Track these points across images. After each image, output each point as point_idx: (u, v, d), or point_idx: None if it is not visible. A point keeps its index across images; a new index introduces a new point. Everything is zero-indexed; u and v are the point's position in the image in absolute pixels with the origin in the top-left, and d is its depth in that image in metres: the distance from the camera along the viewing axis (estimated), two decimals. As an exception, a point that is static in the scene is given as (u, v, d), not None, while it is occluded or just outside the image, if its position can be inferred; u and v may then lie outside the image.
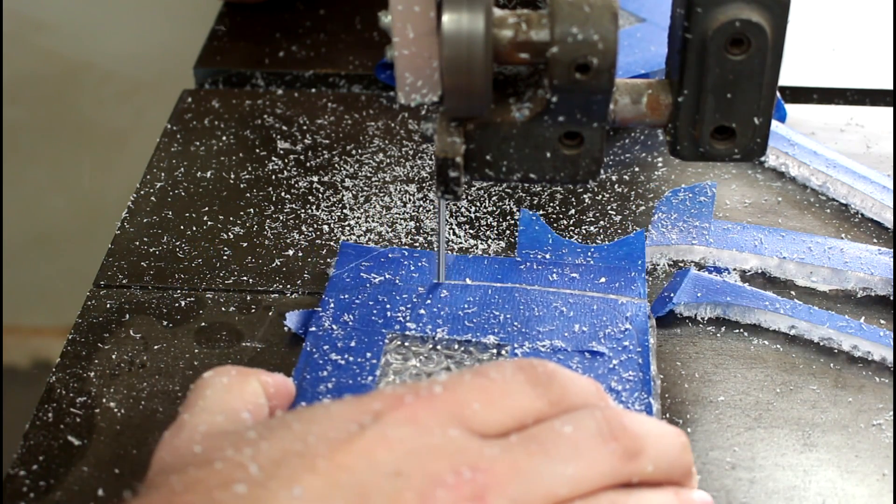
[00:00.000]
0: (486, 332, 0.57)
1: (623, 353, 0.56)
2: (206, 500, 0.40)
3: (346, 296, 0.59)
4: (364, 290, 0.60)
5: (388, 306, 0.59)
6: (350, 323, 0.58)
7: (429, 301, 0.59)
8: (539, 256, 0.62)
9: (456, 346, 0.57)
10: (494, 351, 0.56)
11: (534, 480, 0.41)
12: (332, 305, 0.59)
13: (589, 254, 0.62)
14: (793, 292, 0.61)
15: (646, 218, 0.66)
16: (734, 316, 0.59)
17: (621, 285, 0.60)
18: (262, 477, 0.40)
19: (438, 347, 0.57)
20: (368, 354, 0.56)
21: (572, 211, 0.66)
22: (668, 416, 0.54)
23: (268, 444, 0.42)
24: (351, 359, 0.56)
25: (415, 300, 0.59)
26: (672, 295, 0.59)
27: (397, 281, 0.60)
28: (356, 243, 0.63)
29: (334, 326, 0.58)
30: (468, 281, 0.60)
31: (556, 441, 0.42)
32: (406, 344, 0.57)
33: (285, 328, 0.58)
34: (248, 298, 0.61)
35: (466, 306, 0.59)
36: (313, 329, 0.57)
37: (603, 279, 0.60)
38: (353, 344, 0.56)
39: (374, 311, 0.58)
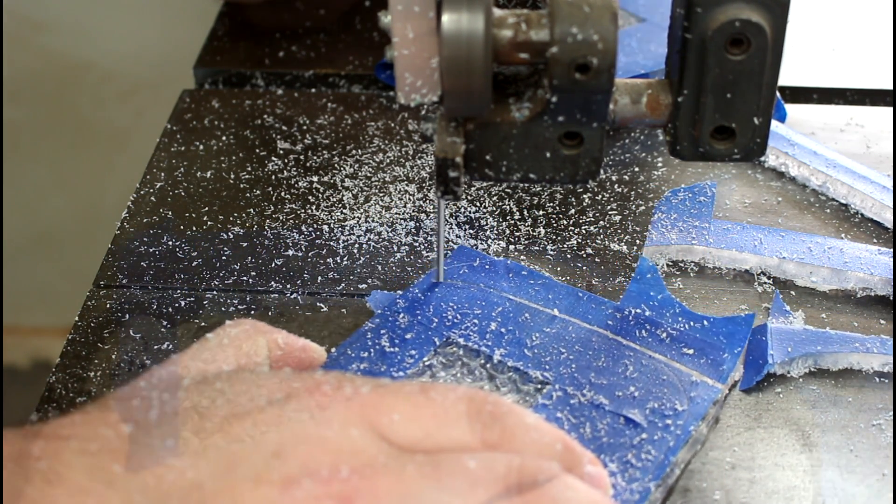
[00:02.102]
0: (539, 366, 0.55)
1: (658, 432, 0.52)
2: (92, 434, 0.40)
3: (430, 292, 0.59)
4: (449, 291, 0.59)
5: (463, 313, 0.58)
6: (419, 317, 0.57)
7: (507, 319, 0.58)
8: (638, 311, 0.58)
9: (504, 370, 0.56)
10: (538, 386, 0.55)
11: (412, 502, 0.40)
12: (411, 296, 0.59)
13: (691, 323, 0.57)
14: (793, 292, 0.61)
15: (646, 218, 0.66)
16: (826, 364, 0.57)
17: (706, 362, 0.55)
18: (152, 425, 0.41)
19: (487, 366, 0.56)
20: (413, 351, 0.56)
21: (572, 211, 0.66)
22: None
23: (185, 395, 0.42)
24: (396, 350, 0.56)
25: (493, 314, 0.58)
26: (771, 354, 0.55)
27: (492, 290, 0.60)
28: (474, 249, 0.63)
29: (402, 315, 0.57)
30: (555, 312, 0.58)
31: (455, 472, 0.41)
32: (460, 353, 0.56)
33: (367, 304, 0.59)
34: (248, 298, 0.61)
35: (536, 336, 0.57)
36: (382, 311, 0.58)
37: (691, 351, 0.56)
38: (408, 337, 0.56)
39: (448, 314, 0.58)
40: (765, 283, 0.62)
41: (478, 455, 0.42)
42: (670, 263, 0.63)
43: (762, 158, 0.70)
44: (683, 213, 0.65)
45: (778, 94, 0.69)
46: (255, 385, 0.43)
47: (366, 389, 0.43)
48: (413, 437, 0.42)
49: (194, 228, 0.65)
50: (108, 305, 0.60)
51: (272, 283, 0.62)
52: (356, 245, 0.64)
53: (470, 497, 0.41)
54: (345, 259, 0.63)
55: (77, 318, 0.59)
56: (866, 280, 0.61)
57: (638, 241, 0.64)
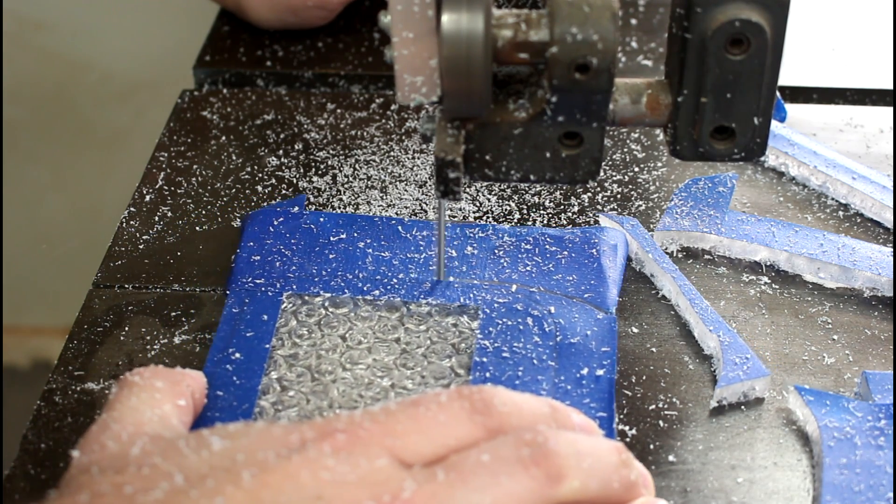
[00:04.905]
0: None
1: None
2: None
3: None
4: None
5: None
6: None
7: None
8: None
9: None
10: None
11: None
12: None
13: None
14: (799, 288, 0.61)
15: (646, 218, 0.66)
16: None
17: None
18: (184, 486, 0.41)
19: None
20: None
21: (572, 211, 0.66)
22: (667, 414, 0.54)
23: (196, 458, 0.43)
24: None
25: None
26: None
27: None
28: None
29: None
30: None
31: (475, 470, 0.43)
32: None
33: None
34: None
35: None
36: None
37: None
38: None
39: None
40: (766, 283, 0.62)
41: (485, 446, 0.44)
42: (680, 249, 0.63)
43: (762, 158, 0.70)
44: (700, 202, 0.65)
45: (778, 94, 0.69)
46: (263, 439, 0.44)
47: (369, 423, 0.44)
48: (428, 450, 0.44)
49: (195, 228, 0.65)
50: (108, 305, 0.60)
51: (272, 283, 0.62)
52: (356, 245, 0.64)
53: (496, 487, 0.42)
54: (345, 259, 0.63)
55: (77, 318, 0.59)
56: (874, 280, 0.61)
57: (638, 241, 0.64)
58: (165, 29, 1.30)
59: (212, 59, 0.81)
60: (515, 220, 0.65)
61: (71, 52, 1.35)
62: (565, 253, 0.61)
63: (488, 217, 0.66)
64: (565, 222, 0.65)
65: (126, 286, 0.62)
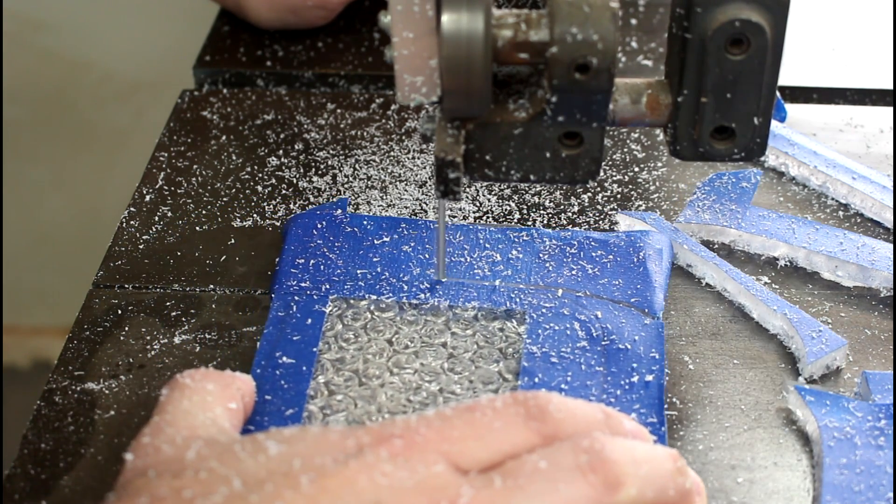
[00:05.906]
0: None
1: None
2: None
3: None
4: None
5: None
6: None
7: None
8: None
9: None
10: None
11: None
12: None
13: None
14: (793, 288, 0.61)
15: (646, 218, 0.66)
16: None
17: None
18: (243, 491, 0.41)
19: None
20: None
21: (572, 211, 0.66)
22: (667, 414, 0.54)
23: (254, 462, 0.43)
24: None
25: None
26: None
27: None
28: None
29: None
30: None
31: (533, 476, 0.42)
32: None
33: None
34: (248, 298, 0.61)
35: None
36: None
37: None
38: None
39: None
40: (766, 283, 0.62)
41: (542, 452, 0.43)
42: (700, 242, 0.64)
43: (762, 158, 0.70)
44: (723, 196, 0.65)
45: (778, 94, 0.69)
46: (320, 444, 0.44)
47: (425, 429, 0.44)
48: (484, 456, 0.44)
49: (195, 228, 0.65)
50: (108, 305, 0.60)
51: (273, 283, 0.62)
52: (356, 245, 0.64)
53: (554, 494, 0.42)
54: (345, 259, 0.63)
55: (77, 318, 0.59)
56: (890, 280, 0.61)
57: (638, 241, 0.64)
58: (165, 29, 1.31)
59: (212, 59, 0.81)
60: (515, 220, 0.65)
61: (71, 52, 1.35)
62: (610, 257, 0.61)
63: (488, 217, 0.66)
64: (565, 222, 0.65)
65: (126, 286, 0.62)
